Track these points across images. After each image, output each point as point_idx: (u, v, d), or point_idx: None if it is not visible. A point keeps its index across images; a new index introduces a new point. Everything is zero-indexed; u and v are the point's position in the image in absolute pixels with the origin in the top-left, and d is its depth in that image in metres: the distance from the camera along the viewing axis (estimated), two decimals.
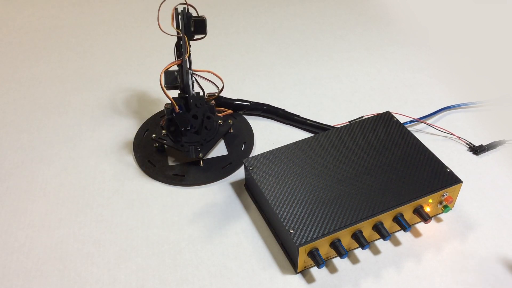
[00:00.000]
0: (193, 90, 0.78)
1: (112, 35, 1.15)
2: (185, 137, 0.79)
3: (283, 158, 0.74)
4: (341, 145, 0.75)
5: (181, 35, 0.72)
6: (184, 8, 0.72)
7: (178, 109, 0.75)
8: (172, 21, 0.72)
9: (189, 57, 0.75)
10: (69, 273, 0.67)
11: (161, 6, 0.73)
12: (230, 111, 0.88)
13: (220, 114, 0.85)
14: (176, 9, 0.71)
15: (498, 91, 0.95)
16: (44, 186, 0.79)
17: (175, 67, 0.74)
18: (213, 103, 0.81)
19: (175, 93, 0.77)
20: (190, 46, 0.74)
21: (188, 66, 0.73)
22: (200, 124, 0.78)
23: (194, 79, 0.79)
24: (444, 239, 0.70)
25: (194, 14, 0.73)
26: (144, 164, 0.81)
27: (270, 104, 0.91)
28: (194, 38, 0.75)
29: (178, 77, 0.75)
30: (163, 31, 0.73)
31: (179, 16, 0.71)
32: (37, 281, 0.66)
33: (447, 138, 0.86)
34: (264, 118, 0.91)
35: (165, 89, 0.73)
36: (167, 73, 0.75)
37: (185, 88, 0.74)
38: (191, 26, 0.72)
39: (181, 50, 0.73)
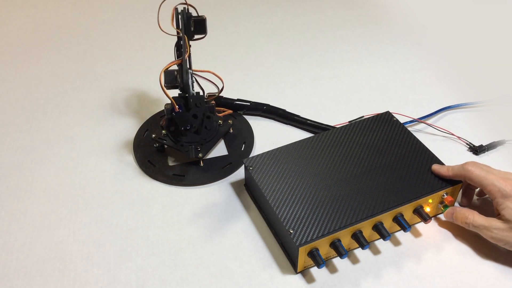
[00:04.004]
0: (193, 90, 0.78)
1: (112, 35, 1.15)
2: (185, 137, 0.79)
3: (283, 158, 0.74)
4: (341, 145, 0.75)
5: (181, 34, 0.72)
6: (184, 8, 0.72)
7: (178, 108, 0.74)
8: (172, 21, 0.72)
9: (189, 57, 0.76)
10: (69, 273, 0.67)
11: (161, 6, 0.73)
12: (230, 111, 0.88)
13: (220, 114, 0.85)
14: (176, 9, 0.71)
15: (498, 91, 0.94)
16: (44, 186, 0.79)
17: (175, 67, 0.74)
18: (213, 103, 0.81)
19: (175, 92, 0.77)
20: (190, 46, 0.74)
21: (188, 66, 0.73)
22: (200, 124, 0.78)
23: (194, 79, 0.79)
24: (444, 239, 0.70)
25: (194, 14, 0.73)
26: (144, 164, 0.81)
27: (270, 104, 0.91)
28: (194, 38, 0.75)
29: (178, 76, 0.75)
30: (163, 31, 0.73)
31: (179, 16, 0.71)
32: (37, 281, 0.66)
33: (447, 138, 0.86)
34: (264, 118, 0.91)
35: (164, 88, 0.73)
36: (167, 73, 0.74)
37: (184, 88, 0.74)
38: (191, 26, 0.72)
39: (181, 50, 0.73)
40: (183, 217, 0.74)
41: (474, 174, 0.66)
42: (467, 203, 0.74)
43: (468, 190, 0.73)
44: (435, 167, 0.70)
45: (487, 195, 0.74)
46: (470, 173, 0.67)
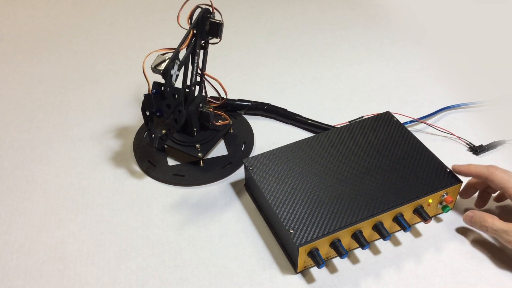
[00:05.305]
0: (175, 82, 0.74)
1: (112, 35, 1.15)
2: (152, 123, 0.79)
3: (283, 158, 0.74)
4: (341, 145, 0.75)
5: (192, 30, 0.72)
6: (207, 9, 0.72)
7: (153, 92, 0.73)
8: (189, 16, 0.72)
9: (204, 59, 0.77)
10: (69, 273, 0.67)
11: (187, 3, 0.73)
12: (227, 120, 0.84)
13: (221, 122, 0.84)
14: (197, 7, 0.71)
15: (498, 91, 0.94)
16: (44, 186, 0.79)
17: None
18: (211, 110, 0.79)
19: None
20: (205, 47, 0.75)
21: (177, 56, 0.71)
22: (169, 114, 0.76)
23: (203, 80, 0.80)
24: (444, 239, 0.70)
25: (218, 18, 0.74)
26: (144, 164, 0.81)
27: (271, 104, 0.91)
28: (208, 40, 0.76)
29: (165, 63, 0.71)
30: (179, 23, 0.72)
31: (197, 14, 0.72)
32: (37, 281, 0.66)
33: (447, 138, 0.86)
34: (265, 118, 0.91)
35: (144, 68, 0.71)
36: (159, 57, 0.72)
37: (162, 74, 0.71)
38: (206, 26, 0.73)
39: (194, 48, 0.74)
40: (183, 217, 0.74)
41: (498, 176, 0.66)
42: (482, 205, 0.73)
43: (485, 194, 0.73)
44: (455, 166, 0.71)
45: (507, 200, 0.73)
46: (493, 175, 0.66)
